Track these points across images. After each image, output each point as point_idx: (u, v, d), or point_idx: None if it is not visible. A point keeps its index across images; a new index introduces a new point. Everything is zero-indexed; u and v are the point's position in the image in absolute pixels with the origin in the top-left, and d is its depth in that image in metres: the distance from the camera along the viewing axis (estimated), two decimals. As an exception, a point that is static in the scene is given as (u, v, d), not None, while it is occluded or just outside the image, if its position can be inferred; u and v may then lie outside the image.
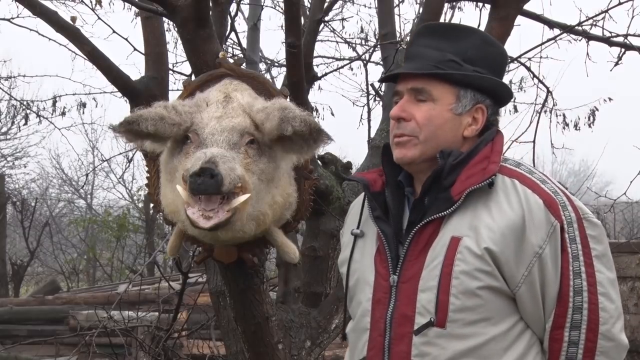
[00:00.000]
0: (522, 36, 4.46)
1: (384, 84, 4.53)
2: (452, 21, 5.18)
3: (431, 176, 1.66)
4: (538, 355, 1.63)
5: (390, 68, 3.24)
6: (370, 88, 4.90)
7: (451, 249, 1.60)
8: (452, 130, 1.68)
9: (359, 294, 1.73)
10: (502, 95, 1.75)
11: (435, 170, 1.66)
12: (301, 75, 2.71)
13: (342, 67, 5.74)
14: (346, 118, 6.23)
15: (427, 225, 1.64)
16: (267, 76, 5.26)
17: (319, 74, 4.39)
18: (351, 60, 5.77)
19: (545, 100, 4.76)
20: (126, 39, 4.02)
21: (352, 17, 6.12)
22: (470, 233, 1.60)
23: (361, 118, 5.54)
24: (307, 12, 3.87)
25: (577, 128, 5.30)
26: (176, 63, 5.29)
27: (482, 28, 2.84)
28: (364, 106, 5.48)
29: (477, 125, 1.70)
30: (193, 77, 2.39)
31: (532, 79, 5.01)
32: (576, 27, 4.17)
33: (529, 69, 4.73)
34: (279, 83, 3.83)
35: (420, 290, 1.62)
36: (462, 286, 1.58)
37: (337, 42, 5.92)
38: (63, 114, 5.72)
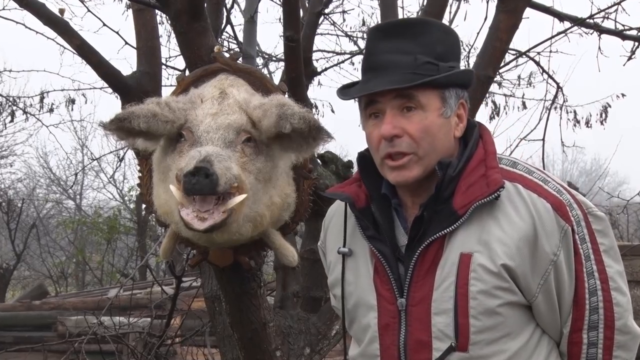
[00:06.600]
0: (531, 29, 4.44)
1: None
2: (459, 14, 5.13)
3: (435, 192, 1.57)
4: (558, 358, 1.62)
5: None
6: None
7: (463, 267, 1.53)
8: (447, 136, 1.60)
9: (360, 318, 1.66)
10: (471, 83, 1.69)
11: (437, 185, 1.57)
12: (300, 70, 2.70)
13: (342, 61, 5.77)
14: (347, 115, 6.17)
15: (431, 243, 1.57)
16: (265, 71, 5.21)
17: (319, 69, 4.39)
18: (352, 54, 5.76)
19: (555, 96, 4.74)
20: (117, 32, 4.06)
21: (353, 9, 6.16)
22: (480, 248, 1.54)
23: (362, 115, 5.49)
24: (307, 4, 3.89)
25: (589, 125, 5.27)
26: (169, 57, 5.31)
27: (489, 21, 2.81)
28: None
29: (463, 123, 1.63)
30: (187, 72, 2.38)
31: (542, 74, 5.02)
32: (587, 20, 4.14)
33: (538, 63, 4.71)
34: (276, 78, 3.80)
35: (434, 314, 1.56)
36: (481, 306, 1.53)
37: (337, 35, 5.92)
38: (51, 110, 5.68)
